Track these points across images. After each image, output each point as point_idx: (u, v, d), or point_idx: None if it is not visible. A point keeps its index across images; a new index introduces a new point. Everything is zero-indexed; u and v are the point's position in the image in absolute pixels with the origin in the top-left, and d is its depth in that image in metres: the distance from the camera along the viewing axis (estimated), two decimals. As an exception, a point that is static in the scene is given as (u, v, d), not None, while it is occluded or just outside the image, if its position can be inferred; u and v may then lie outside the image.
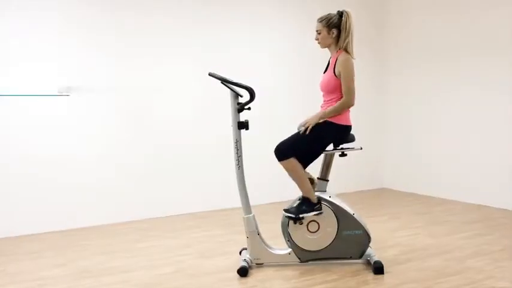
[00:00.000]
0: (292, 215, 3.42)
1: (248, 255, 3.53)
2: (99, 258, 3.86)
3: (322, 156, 3.54)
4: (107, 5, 5.00)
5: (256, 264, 3.54)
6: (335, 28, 3.38)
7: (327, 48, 3.51)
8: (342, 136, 3.45)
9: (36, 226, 4.71)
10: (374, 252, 3.57)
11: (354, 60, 3.37)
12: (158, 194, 5.32)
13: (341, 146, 3.52)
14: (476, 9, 5.58)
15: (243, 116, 3.41)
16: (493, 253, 3.77)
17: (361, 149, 3.62)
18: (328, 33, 3.39)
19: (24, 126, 4.68)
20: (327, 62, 3.55)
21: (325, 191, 3.56)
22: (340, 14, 3.38)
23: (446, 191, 5.98)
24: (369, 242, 3.52)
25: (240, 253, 3.75)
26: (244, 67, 5.51)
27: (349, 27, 3.35)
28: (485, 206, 5.46)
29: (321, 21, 3.42)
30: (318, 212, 3.42)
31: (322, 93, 3.54)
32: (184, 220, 5.15)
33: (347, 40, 3.35)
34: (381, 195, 6.46)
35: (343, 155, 3.52)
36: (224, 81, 3.44)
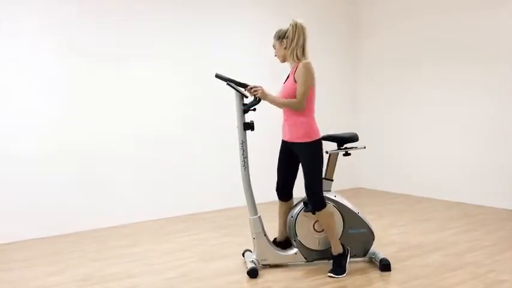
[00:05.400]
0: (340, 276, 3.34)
1: (255, 256, 3.51)
2: (96, 264, 3.72)
3: (326, 156, 3.57)
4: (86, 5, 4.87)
5: (263, 265, 3.52)
6: (286, 39, 3.40)
7: None
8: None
9: (22, 233, 4.49)
10: (377, 250, 3.63)
11: (313, 65, 3.32)
12: (139, 199, 5.19)
13: (345, 146, 3.58)
14: (445, 16, 5.81)
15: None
16: (486, 248, 3.92)
17: (365, 148, 3.69)
18: (280, 45, 3.42)
19: (14, 128, 4.49)
20: (287, 75, 3.52)
21: (330, 191, 3.59)
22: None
23: (423, 189, 6.16)
24: (373, 240, 3.58)
25: (243, 255, 3.72)
26: (229, 68, 5.43)
27: (293, 34, 3.33)
28: (462, 203, 5.66)
29: (274, 37, 3.46)
30: (351, 256, 3.44)
31: None
32: (167, 224, 5.02)
33: (292, 46, 3.35)
34: (360, 194, 6.56)
35: (347, 154, 3.58)
36: (230, 82, 3.43)
